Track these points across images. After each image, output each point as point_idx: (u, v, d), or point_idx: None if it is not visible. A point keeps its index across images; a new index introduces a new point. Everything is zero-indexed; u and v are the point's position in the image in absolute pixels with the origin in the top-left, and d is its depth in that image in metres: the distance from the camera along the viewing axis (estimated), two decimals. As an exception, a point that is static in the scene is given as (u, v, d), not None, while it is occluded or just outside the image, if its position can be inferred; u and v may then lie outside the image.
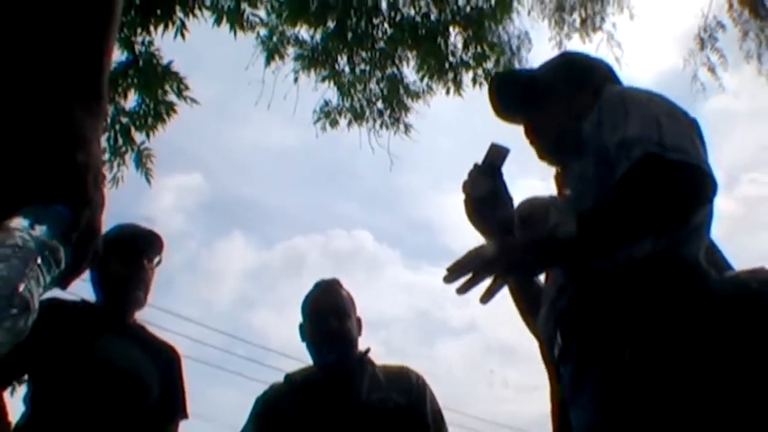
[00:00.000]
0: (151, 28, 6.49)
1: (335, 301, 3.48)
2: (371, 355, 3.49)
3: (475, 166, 2.29)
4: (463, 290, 1.86)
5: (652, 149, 1.85)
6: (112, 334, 3.19)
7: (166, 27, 6.48)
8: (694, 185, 1.85)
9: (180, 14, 6.50)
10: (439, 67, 7.79)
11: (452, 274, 1.86)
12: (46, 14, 1.26)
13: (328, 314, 3.41)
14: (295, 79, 8.15)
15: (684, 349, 1.75)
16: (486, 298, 1.91)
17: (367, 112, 8.19)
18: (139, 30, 6.49)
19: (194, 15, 6.58)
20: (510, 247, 1.90)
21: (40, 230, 1.12)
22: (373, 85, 8.21)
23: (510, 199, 2.30)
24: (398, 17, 7.93)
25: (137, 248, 3.32)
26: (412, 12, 7.89)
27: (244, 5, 7.04)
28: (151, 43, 6.72)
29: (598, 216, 1.90)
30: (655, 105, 2.02)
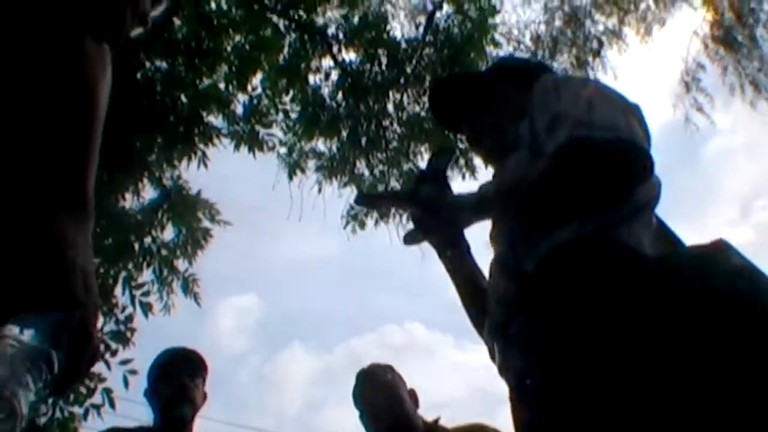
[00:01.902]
0: (176, 162, 6.96)
1: (379, 389, 3.51)
2: (442, 422, 3.53)
3: (419, 172, 2.24)
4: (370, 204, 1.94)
5: (580, 131, 1.81)
6: None
7: (189, 159, 6.94)
8: (623, 161, 1.80)
9: (200, 145, 6.95)
10: (454, 159, 8.09)
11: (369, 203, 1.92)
12: (30, 124, 1.26)
13: (376, 405, 3.47)
14: (319, 190, 8.54)
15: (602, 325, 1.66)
16: (408, 239, 1.99)
17: (392, 210, 8.51)
18: (164, 166, 6.96)
19: (213, 144, 7.03)
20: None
21: (28, 335, 1.10)
22: (392, 182, 8.52)
23: None
24: (405, 116, 8.35)
25: (177, 368, 3.46)
26: (417, 108, 8.30)
27: (258, 128, 7.47)
28: (179, 176, 7.22)
29: (519, 181, 1.88)
30: (588, 86, 1.99)
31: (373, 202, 2.34)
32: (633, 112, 1.93)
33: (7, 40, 1.30)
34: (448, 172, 2.14)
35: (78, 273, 1.21)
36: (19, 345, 1.08)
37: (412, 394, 3.57)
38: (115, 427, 3.61)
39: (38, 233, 1.20)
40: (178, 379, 3.41)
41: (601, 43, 8.94)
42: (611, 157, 1.79)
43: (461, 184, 8.24)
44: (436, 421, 3.51)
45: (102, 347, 6.35)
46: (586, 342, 1.66)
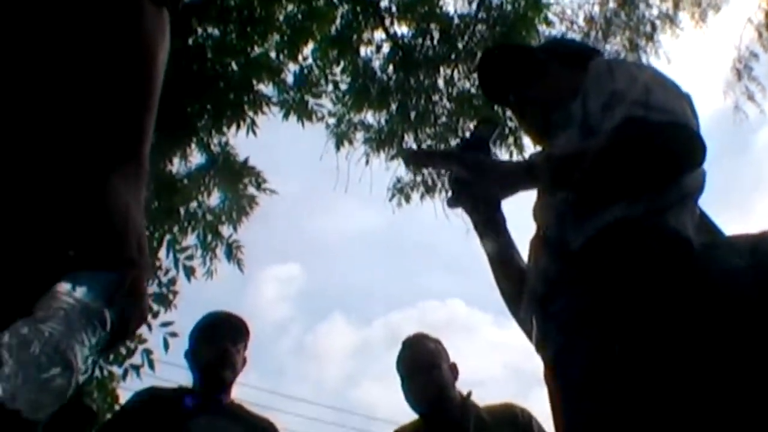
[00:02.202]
0: (224, 129, 7.00)
1: (422, 356, 3.58)
2: (474, 398, 3.58)
3: (463, 140, 2.25)
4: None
5: (636, 111, 1.79)
6: (209, 415, 3.32)
7: (238, 126, 6.96)
8: (678, 145, 1.79)
9: (249, 113, 6.98)
10: (501, 133, 8.05)
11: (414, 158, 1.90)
12: (91, 87, 1.29)
13: (417, 371, 3.53)
14: (367, 162, 8.55)
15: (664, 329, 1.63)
16: (452, 202, 1.95)
17: (438, 184, 8.50)
18: (213, 132, 7.01)
19: (262, 112, 7.05)
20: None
21: (81, 292, 1.11)
22: (440, 157, 8.45)
23: None
24: (455, 91, 8.31)
25: (220, 332, 3.52)
26: (467, 85, 8.26)
27: (308, 98, 7.48)
28: (226, 143, 7.26)
29: (572, 154, 1.86)
30: (643, 71, 1.98)
31: (419, 157, 2.26)
32: (686, 99, 1.91)
33: (71, 7, 1.32)
34: (493, 147, 2.09)
35: (132, 234, 1.25)
36: (74, 301, 1.09)
37: (453, 367, 3.62)
38: (154, 386, 3.66)
39: (95, 193, 1.23)
40: (220, 344, 3.46)
41: (654, 27, 8.81)
42: (667, 139, 1.78)
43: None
44: (468, 395, 3.57)
45: (146, 308, 6.44)
46: (630, 327, 1.65)
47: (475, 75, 7.98)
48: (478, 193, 1.94)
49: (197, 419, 3.28)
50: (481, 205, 2.12)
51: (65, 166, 1.24)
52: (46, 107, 1.26)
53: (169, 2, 1.41)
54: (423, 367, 3.53)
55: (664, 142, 1.78)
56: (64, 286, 1.11)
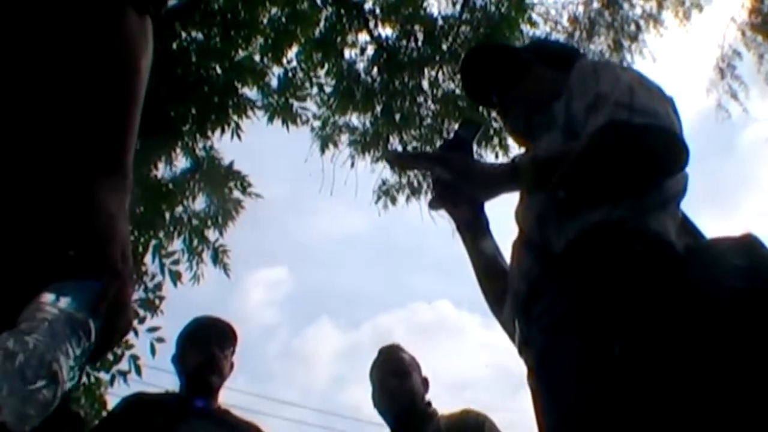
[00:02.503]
0: (209, 133, 6.98)
1: (395, 363, 3.67)
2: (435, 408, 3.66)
3: (445, 141, 2.24)
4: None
5: (620, 114, 1.79)
6: (196, 420, 3.31)
7: (222, 130, 6.95)
8: (661, 148, 1.79)
9: (234, 117, 6.96)
10: (485, 134, 8.07)
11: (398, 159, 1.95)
12: (73, 95, 1.28)
13: (391, 377, 3.60)
14: (352, 164, 8.56)
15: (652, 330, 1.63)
16: (434, 203, 1.95)
17: (424, 186, 8.51)
18: (197, 136, 6.99)
19: (247, 116, 7.03)
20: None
21: (65, 302, 1.09)
22: (425, 158, 8.45)
23: None
24: (440, 93, 8.33)
25: (207, 337, 3.49)
26: (452, 86, 8.27)
27: (292, 101, 7.47)
28: (211, 147, 7.24)
29: (555, 156, 1.85)
30: (627, 73, 1.98)
31: (402, 159, 2.28)
32: (669, 103, 1.91)
33: (52, 13, 1.31)
34: (476, 147, 2.12)
35: (117, 243, 1.23)
36: (58, 312, 1.07)
37: (425, 381, 3.71)
38: (140, 392, 3.66)
39: (78, 201, 1.21)
40: (207, 349, 3.45)
41: (639, 27, 8.84)
42: (650, 142, 1.78)
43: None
44: (429, 404, 3.65)
45: (131, 315, 6.42)
46: (612, 330, 1.65)
47: (459, 76, 7.97)
48: (461, 194, 1.93)
49: (184, 424, 3.26)
50: (464, 207, 2.13)
51: (48, 175, 1.23)
52: (27, 115, 1.25)
53: (152, 10, 1.38)
54: (397, 374, 3.61)
55: (647, 145, 1.78)
56: (48, 296, 1.09)
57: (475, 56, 2.40)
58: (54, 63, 1.29)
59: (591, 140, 1.82)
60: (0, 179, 1.21)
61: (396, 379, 3.59)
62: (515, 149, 2.29)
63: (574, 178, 1.82)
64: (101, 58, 1.31)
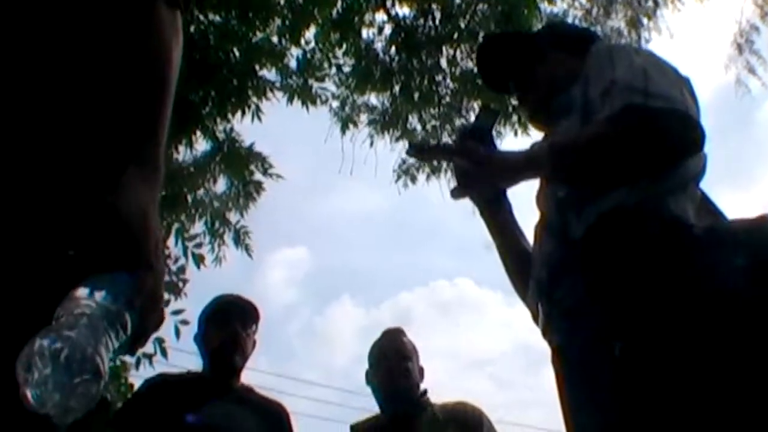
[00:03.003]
0: (229, 116, 7.00)
1: (398, 345, 3.71)
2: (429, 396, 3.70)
3: (463, 127, 2.34)
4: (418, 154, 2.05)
5: (635, 99, 1.81)
6: (219, 400, 3.35)
7: (243, 112, 6.96)
8: (677, 131, 1.80)
9: (253, 99, 6.97)
10: (504, 112, 8.05)
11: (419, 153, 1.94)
12: (106, 89, 1.30)
13: (391, 357, 3.65)
14: (371, 144, 8.55)
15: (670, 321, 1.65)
16: (456, 193, 1.96)
17: (443, 165, 8.49)
18: (217, 119, 7.01)
19: (266, 98, 7.04)
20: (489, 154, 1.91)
21: (101, 296, 1.11)
22: (444, 137, 8.49)
23: None
24: (458, 71, 8.30)
25: (230, 316, 3.52)
26: (470, 64, 8.22)
27: (311, 82, 7.47)
28: (231, 129, 7.26)
29: (571, 142, 1.89)
30: (642, 57, 1.98)
31: (423, 152, 2.29)
32: (684, 84, 1.93)
33: (86, 7, 1.33)
34: (495, 135, 2.19)
35: (151, 236, 1.25)
36: (95, 306, 1.09)
37: (422, 371, 3.73)
38: (163, 373, 3.70)
39: (113, 195, 1.23)
40: (230, 327, 3.48)
41: (656, 3, 8.74)
42: (666, 126, 1.79)
43: (514, 141, 8.15)
44: (423, 393, 3.67)
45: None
46: (631, 313, 1.68)
47: (476, 66, 7.88)
48: (482, 182, 1.96)
49: (209, 405, 3.29)
50: (486, 195, 2.15)
51: (83, 168, 1.25)
52: (63, 110, 1.27)
53: (181, 3, 1.42)
54: (397, 355, 3.64)
55: (663, 129, 1.79)
56: (84, 290, 1.11)
57: (490, 45, 2.44)
58: (87, 57, 1.31)
59: (608, 125, 1.84)
60: (34, 172, 1.23)
61: (397, 361, 3.62)
62: (534, 130, 2.27)
63: (593, 163, 1.84)
64: (133, 52, 1.33)
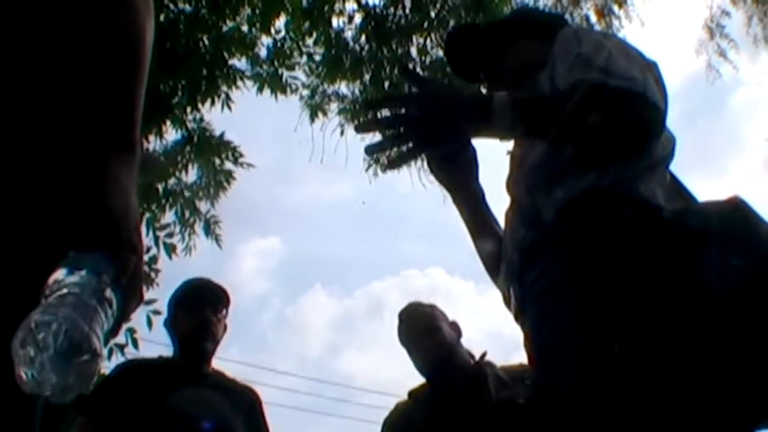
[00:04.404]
0: (199, 105, 6.99)
1: (419, 322, 3.58)
2: (488, 358, 3.57)
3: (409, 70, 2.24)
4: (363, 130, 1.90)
5: (592, 74, 1.80)
6: (190, 385, 3.31)
7: (212, 102, 6.97)
8: (632, 111, 1.79)
9: (223, 88, 6.99)
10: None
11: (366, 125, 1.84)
12: (79, 69, 1.28)
13: (418, 338, 3.53)
14: (341, 132, 8.50)
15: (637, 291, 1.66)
16: (395, 162, 1.92)
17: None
18: (188, 108, 6.99)
19: (236, 86, 7.04)
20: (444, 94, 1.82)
21: (88, 276, 1.10)
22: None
23: (474, 153, 2.21)
24: (428, 60, 8.31)
25: (200, 300, 3.47)
26: (440, 53, 8.24)
27: (282, 70, 7.50)
28: (201, 119, 7.24)
29: (533, 98, 1.87)
30: (609, 39, 2.00)
31: (371, 125, 2.05)
32: (650, 68, 1.92)
33: None
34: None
35: (131, 217, 1.25)
36: (86, 284, 1.09)
37: (454, 325, 3.64)
38: (135, 359, 3.67)
39: (95, 177, 1.22)
40: (200, 313, 3.43)
41: (627, -9, 8.79)
42: (620, 105, 1.78)
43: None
44: (483, 356, 3.56)
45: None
46: (602, 295, 1.69)
47: (445, 58, 7.91)
48: (436, 128, 1.82)
49: (181, 391, 3.27)
50: (457, 173, 2.19)
51: (61, 152, 1.24)
52: (35, 93, 1.26)
53: None
54: (423, 332, 3.53)
55: (618, 107, 1.78)
56: (70, 269, 1.10)
57: (459, 36, 2.46)
58: (60, 38, 1.29)
59: (560, 96, 1.84)
60: (13, 157, 1.22)
61: (425, 339, 3.52)
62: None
63: (538, 119, 1.81)
64: (108, 33, 1.31)
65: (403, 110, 1.80)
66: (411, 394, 3.61)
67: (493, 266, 2.17)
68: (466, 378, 3.44)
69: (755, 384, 1.59)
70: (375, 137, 1.86)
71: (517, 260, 1.96)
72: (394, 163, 1.89)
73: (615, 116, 1.77)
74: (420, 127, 1.77)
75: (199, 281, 3.63)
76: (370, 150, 1.87)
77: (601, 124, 1.76)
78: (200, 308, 3.45)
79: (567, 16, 8.15)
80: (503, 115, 1.74)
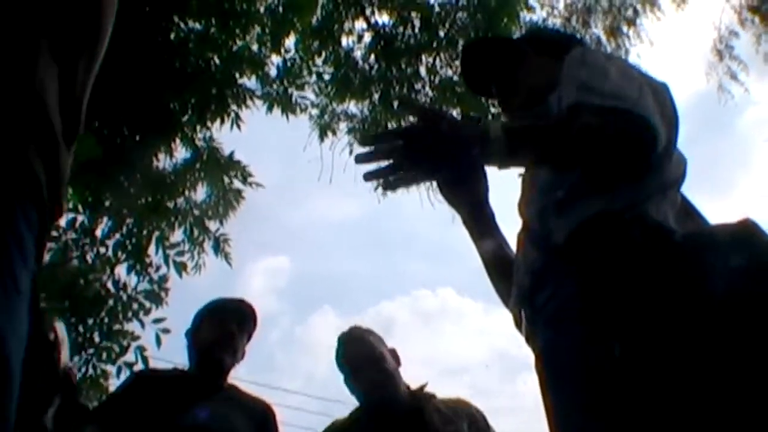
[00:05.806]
0: (209, 124, 7.00)
1: (365, 348, 3.51)
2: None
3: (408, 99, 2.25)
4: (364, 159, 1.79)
5: (587, 97, 1.79)
6: (205, 399, 3.27)
7: (222, 120, 6.97)
8: (619, 130, 1.76)
9: (233, 107, 6.99)
10: (485, 117, 8.05)
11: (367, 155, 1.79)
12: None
13: (363, 363, 3.45)
14: (350, 152, 8.55)
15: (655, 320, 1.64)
16: (391, 186, 1.83)
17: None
18: (197, 127, 7.01)
19: (246, 106, 7.06)
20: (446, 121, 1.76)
21: None
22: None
23: (484, 172, 2.19)
24: (437, 80, 8.34)
25: (228, 313, 3.47)
26: (449, 72, 8.28)
27: (291, 90, 7.50)
28: (211, 137, 7.25)
29: (527, 127, 1.83)
30: (612, 61, 1.98)
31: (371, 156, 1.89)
32: (655, 89, 1.90)
33: None
34: None
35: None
36: None
37: (394, 353, 3.58)
38: (151, 368, 3.64)
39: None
40: (226, 325, 3.42)
41: (636, 11, 8.82)
42: (606, 124, 1.76)
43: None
44: (422, 387, 3.52)
45: (136, 306, 6.49)
46: (615, 320, 1.68)
47: (457, 62, 8.02)
48: (434, 152, 1.78)
49: (197, 405, 3.23)
50: (467, 199, 2.18)
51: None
52: None
53: None
54: (368, 358, 3.46)
55: (604, 126, 1.75)
56: None
57: (473, 50, 2.44)
58: None
59: (559, 120, 1.84)
60: None
61: (370, 365, 3.44)
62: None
63: (538, 148, 1.80)
64: None
65: (399, 142, 1.78)
66: (350, 416, 3.55)
67: (503, 288, 2.16)
68: (407, 408, 3.38)
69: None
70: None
71: (528, 282, 1.95)
72: (390, 186, 1.86)
73: (601, 135, 1.76)
74: (414, 161, 1.77)
75: (233, 298, 3.63)
76: (367, 177, 1.86)
77: (589, 144, 1.75)
78: (227, 321, 3.44)
79: (577, 37, 8.17)
80: (500, 145, 1.73)
